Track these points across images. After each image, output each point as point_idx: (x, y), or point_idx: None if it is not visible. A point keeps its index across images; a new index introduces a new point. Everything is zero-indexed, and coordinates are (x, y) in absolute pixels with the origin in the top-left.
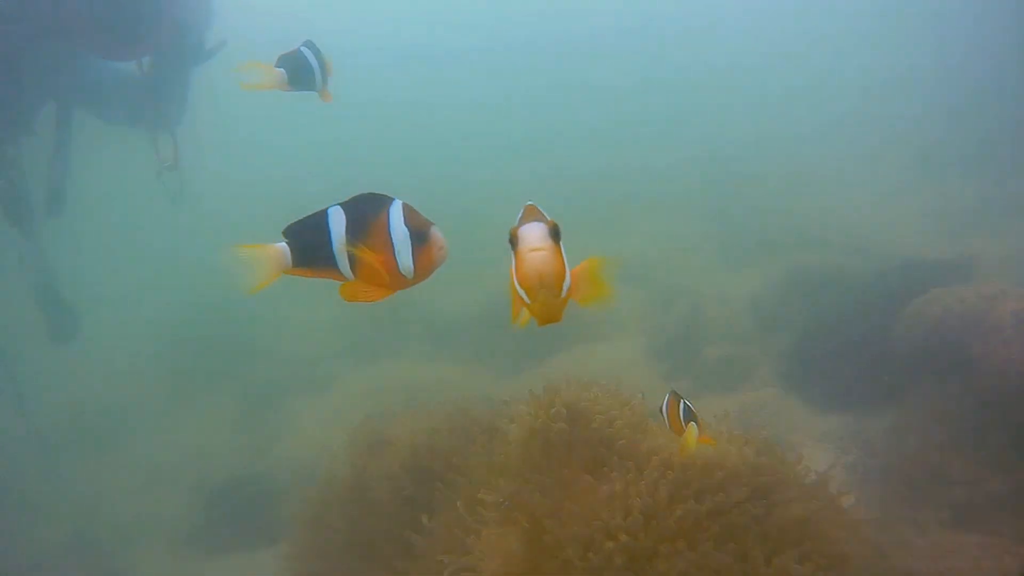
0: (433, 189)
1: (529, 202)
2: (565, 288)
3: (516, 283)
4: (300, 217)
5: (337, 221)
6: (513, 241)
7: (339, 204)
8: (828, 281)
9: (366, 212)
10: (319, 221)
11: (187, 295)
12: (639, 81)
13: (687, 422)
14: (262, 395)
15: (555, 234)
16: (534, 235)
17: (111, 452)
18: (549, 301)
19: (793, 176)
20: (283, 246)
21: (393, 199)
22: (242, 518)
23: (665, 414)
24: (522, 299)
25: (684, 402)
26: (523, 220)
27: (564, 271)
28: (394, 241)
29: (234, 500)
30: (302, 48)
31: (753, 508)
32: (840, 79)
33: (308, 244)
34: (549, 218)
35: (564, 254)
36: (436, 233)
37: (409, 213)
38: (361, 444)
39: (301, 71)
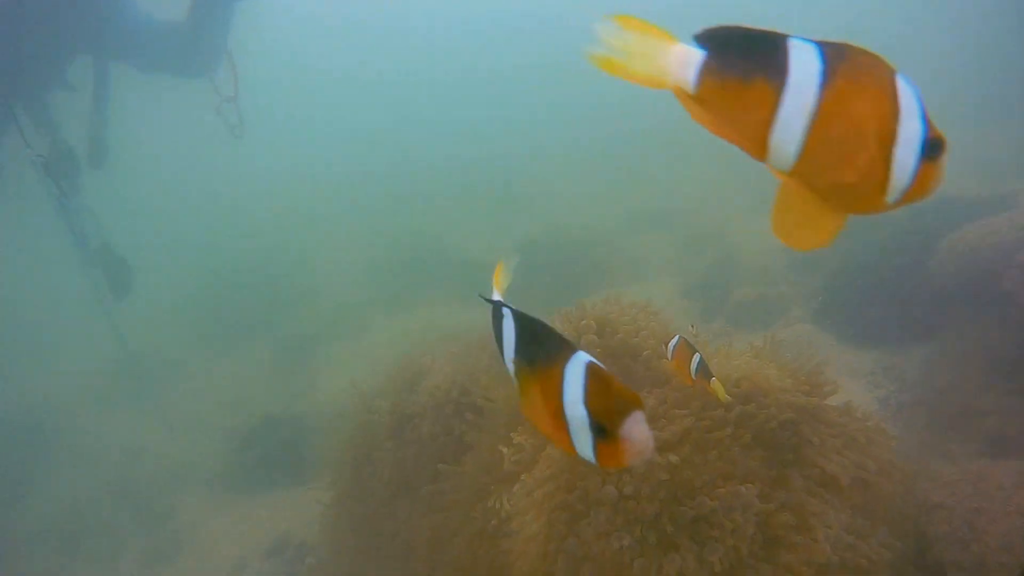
0: (473, 145)
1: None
2: None
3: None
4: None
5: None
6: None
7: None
8: (863, 222)
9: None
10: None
11: (227, 245)
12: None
13: (699, 373)
14: (300, 343)
15: None
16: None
17: (154, 399)
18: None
19: None
20: (692, 51)
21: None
22: (277, 458)
23: (671, 356)
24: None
25: (699, 356)
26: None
27: None
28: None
29: (269, 441)
30: None
31: (781, 416)
32: (873, 22)
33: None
34: None
35: None
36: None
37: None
38: (401, 377)
39: None
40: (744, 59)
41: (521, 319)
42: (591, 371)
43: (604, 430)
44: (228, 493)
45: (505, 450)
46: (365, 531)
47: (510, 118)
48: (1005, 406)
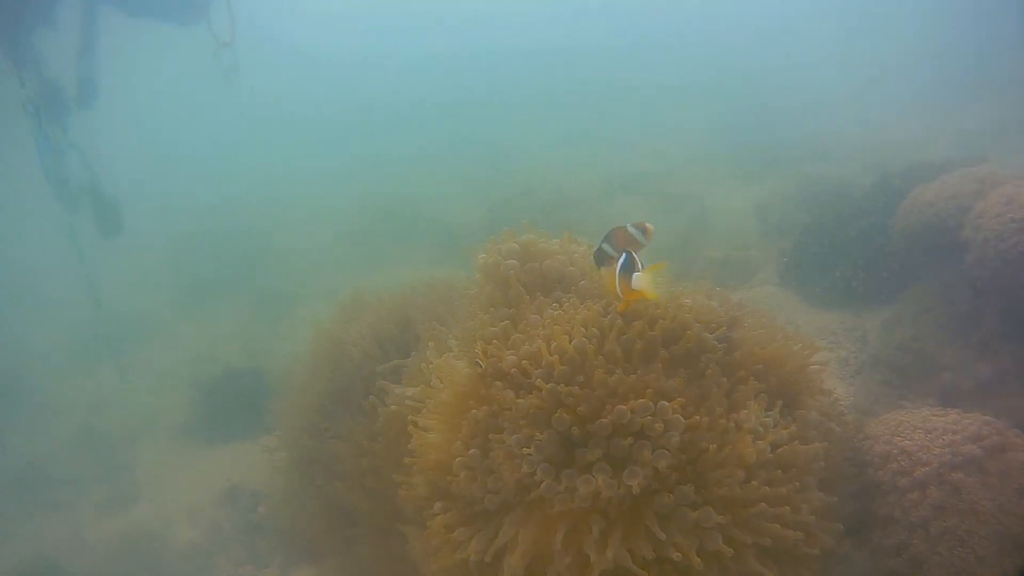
0: (457, 113)
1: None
2: None
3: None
4: None
5: None
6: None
7: None
8: (835, 190)
9: None
10: None
11: (205, 203)
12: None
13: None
14: (275, 300)
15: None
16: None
17: (125, 354)
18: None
19: (810, 95)
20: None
21: None
22: (237, 409)
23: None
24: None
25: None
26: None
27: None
28: None
29: (230, 393)
30: None
31: (712, 339)
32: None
33: None
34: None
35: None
36: None
37: None
38: (343, 311)
39: None
40: None
41: None
42: None
43: None
44: (188, 443)
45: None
46: (299, 454)
47: (494, 87)
48: (960, 360)
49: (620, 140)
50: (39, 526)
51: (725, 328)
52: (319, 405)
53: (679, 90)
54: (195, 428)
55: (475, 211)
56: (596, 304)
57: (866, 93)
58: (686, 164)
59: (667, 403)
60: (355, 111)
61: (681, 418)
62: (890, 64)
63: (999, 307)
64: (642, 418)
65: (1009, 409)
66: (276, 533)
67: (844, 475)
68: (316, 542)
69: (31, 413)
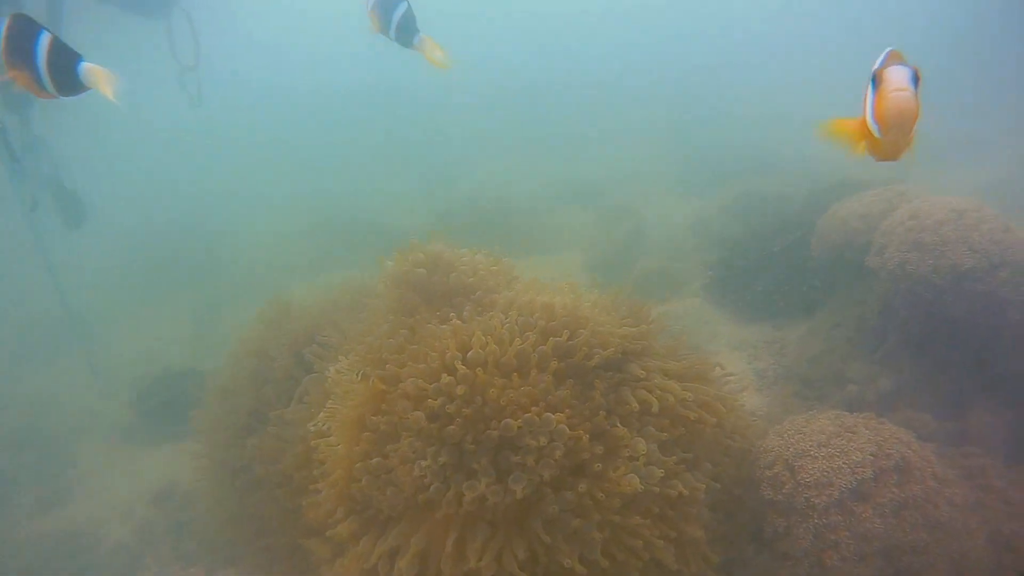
0: (407, 122)
1: (892, 48)
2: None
3: (871, 118)
4: None
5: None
6: (876, 80)
7: None
8: (769, 205)
9: None
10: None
11: (154, 204)
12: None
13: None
14: (220, 303)
15: (916, 79)
16: (900, 77)
17: (69, 355)
18: (898, 140)
19: (759, 112)
20: None
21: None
22: (173, 409)
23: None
24: (872, 133)
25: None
26: (888, 62)
27: (919, 114)
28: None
29: (166, 393)
30: None
31: (603, 353)
32: (811, 15)
33: None
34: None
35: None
36: None
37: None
38: (265, 319)
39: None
40: None
41: None
42: None
43: None
44: (127, 443)
45: (331, 370)
46: (223, 466)
47: (446, 95)
48: (865, 374)
49: (570, 149)
50: None
51: (615, 350)
52: (240, 416)
53: (634, 102)
54: (135, 428)
55: (420, 217)
56: (496, 315)
57: (822, 109)
58: (634, 175)
59: (552, 415)
60: (307, 116)
61: (566, 428)
62: (848, 81)
63: (900, 323)
64: (530, 437)
65: (906, 420)
66: (202, 536)
67: (737, 495)
68: (238, 548)
69: None
